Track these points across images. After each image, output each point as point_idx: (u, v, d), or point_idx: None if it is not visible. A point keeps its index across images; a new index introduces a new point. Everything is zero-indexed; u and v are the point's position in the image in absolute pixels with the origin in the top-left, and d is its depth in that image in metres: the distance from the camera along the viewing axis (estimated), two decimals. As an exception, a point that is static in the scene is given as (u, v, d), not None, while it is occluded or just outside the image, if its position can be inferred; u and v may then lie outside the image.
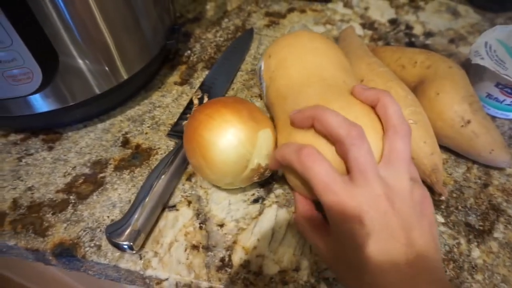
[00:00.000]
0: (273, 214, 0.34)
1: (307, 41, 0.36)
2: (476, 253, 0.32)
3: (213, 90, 0.44)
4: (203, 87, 0.45)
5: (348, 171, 0.26)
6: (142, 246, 0.32)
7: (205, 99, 0.37)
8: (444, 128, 0.36)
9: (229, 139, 0.30)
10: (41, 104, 0.37)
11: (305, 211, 0.30)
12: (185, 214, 0.34)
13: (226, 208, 0.35)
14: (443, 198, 0.33)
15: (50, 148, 0.40)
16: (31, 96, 0.36)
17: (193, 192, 0.36)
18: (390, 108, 0.27)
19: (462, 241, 0.32)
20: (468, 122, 0.35)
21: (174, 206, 0.35)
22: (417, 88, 0.39)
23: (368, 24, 0.55)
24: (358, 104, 0.29)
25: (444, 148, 0.38)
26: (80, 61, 0.36)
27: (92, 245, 0.32)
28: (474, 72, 0.41)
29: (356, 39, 0.45)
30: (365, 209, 0.24)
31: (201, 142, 0.30)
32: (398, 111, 0.27)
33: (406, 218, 0.24)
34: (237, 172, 0.31)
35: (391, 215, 0.24)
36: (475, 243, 0.32)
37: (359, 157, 0.25)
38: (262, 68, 0.37)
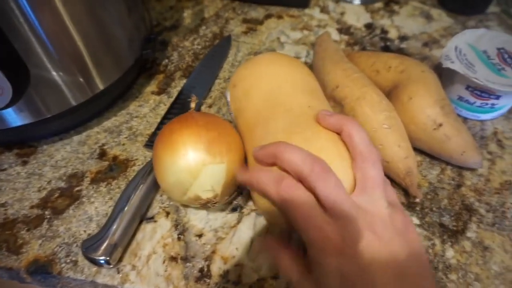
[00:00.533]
0: (252, 222, 0.34)
1: (269, 67, 0.35)
2: (450, 253, 0.32)
3: (189, 100, 0.44)
4: (181, 96, 0.45)
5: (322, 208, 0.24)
6: (120, 260, 0.31)
7: (202, 107, 0.37)
8: (417, 131, 0.37)
9: (172, 162, 0.30)
10: (14, 118, 0.36)
11: (288, 256, 0.27)
12: (163, 225, 0.34)
13: (204, 218, 0.34)
14: (417, 200, 0.34)
15: (25, 163, 0.39)
16: (3, 111, 0.35)
17: (171, 203, 0.36)
18: (355, 136, 0.26)
19: (437, 241, 0.33)
20: (440, 125, 0.36)
21: (152, 217, 0.35)
22: (391, 93, 0.40)
23: (344, 29, 0.56)
24: (323, 133, 0.28)
25: (418, 150, 0.39)
26: (54, 73, 0.36)
27: (68, 261, 0.32)
28: (446, 75, 0.42)
29: (331, 45, 0.46)
30: (349, 244, 0.23)
31: (156, 154, 0.31)
32: (364, 138, 0.26)
33: (392, 246, 0.23)
34: (177, 195, 0.31)
35: (378, 245, 0.23)
36: (449, 243, 0.33)
37: (328, 192, 0.23)
38: (229, 99, 0.37)
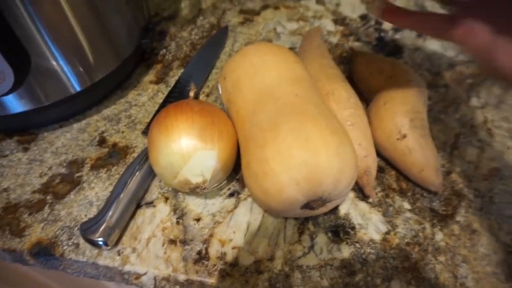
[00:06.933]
0: (248, 207, 0.35)
1: (256, 57, 0.35)
2: (439, 236, 0.34)
3: (187, 88, 0.45)
4: (178, 85, 0.45)
5: None
6: (120, 243, 0.32)
7: (200, 97, 0.38)
8: (381, 137, 0.37)
9: (165, 145, 0.30)
10: (15, 104, 0.37)
11: None
12: (162, 210, 0.35)
13: (202, 203, 0.35)
14: (370, 200, 0.35)
15: (26, 149, 0.40)
16: (4, 97, 0.36)
17: (170, 188, 0.36)
18: None
19: (427, 225, 0.34)
20: (404, 136, 0.35)
21: (151, 202, 0.35)
22: (376, 95, 0.40)
23: (340, 20, 0.56)
24: (310, 122, 0.29)
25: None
26: (53, 62, 0.36)
27: (70, 243, 0.32)
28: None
29: (316, 39, 0.46)
30: None
31: (151, 136, 0.32)
32: None
33: None
34: (168, 178, 0.32)
35: None
36: (439, 227, 0.34)
37: None
38: (220, 91, 0.37)
